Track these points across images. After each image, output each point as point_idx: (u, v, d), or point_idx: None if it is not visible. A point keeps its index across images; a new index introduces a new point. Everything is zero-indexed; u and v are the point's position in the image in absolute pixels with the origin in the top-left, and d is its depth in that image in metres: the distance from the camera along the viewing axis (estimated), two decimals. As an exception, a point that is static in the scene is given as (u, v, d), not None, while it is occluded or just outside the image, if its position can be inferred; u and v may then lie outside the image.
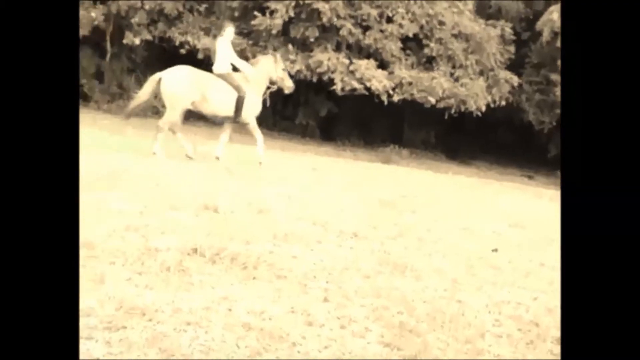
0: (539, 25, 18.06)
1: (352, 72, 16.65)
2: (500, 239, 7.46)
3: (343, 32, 16.51)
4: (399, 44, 17.12)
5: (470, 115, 17.82)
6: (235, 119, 10.47)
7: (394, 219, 7.83)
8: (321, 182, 10.09)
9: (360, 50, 17.27)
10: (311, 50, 16.88)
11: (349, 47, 17.19)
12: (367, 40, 16.79)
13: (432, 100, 17.03)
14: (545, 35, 17.81)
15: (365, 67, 16.66)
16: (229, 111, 10.32)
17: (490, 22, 18.71)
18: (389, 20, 16.90)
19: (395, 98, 16.90)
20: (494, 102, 18.03)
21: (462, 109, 17.40)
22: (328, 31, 16.87)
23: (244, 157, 11.06)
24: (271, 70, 10.58)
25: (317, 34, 16.75)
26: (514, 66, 19.13)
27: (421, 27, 17.15)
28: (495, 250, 6.78)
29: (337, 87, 16.56)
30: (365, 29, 16.90)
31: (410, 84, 16.93)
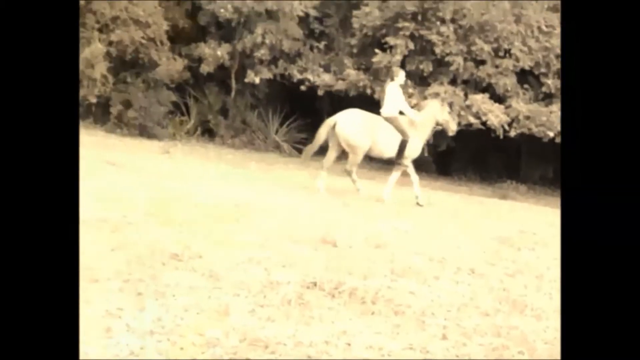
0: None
1: (468, 107, 16.42)
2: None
3: (454, 66, 16.35)
4: (514, 79, 16.76)
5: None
6: (397, 161, 10.74)
7: (512, 255, 7.64)
8: (438, 217, 9.96)
9: (476, 85, 17.02)
10: (428, 85, 16.79)
11: (465, 81, 16.98)
12: (481, 74, 16.54)
13: (551, 134, 16.45)
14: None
15: (482, 101, 16.38)
16: (393, 153, 10.61)
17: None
18: (505, 54, 16.59)
19: (512, 133, 16.50)
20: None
21: (581, 143, 16.75)
22: (442, 65, 16.75)
23: (366, 192, 11.06)
24: (437, 114, 10.83)
25: (431, 68, 16.67)
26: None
27: (537, 63, 16.72)
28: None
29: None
30: (479, 63, 16.66)
31: (527, 118, 16.47)
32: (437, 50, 16.29)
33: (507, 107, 16.67)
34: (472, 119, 16.32)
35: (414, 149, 10.70)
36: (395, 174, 10.89)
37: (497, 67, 16.53)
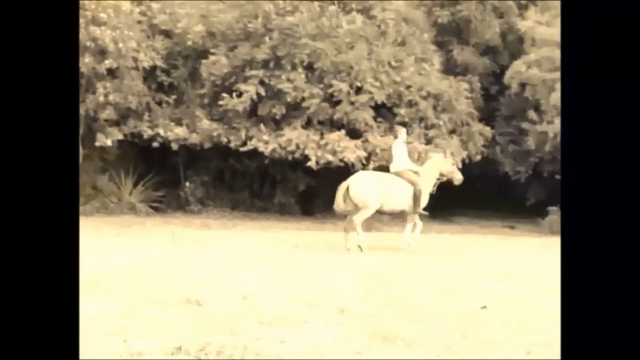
0: (506, 78, 18.32)
1: (324, 146, 16.73)
2: (488, 295, 7.40)
3: (311, 109, 16.66)
4: (371, 112, 17.19)
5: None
6: (414, 211, 11.35)
7: (382, 288, 7.76)
8: (304, 259, 10.01)
9: (332, 123, 17.28)
10: (282, 129, 16.93)
11: (320, 121, 17.22)
12: (338, 114, 16.87)
13: (409, 164, 17.01)
14: (514, 87, 18.09)
15: (337, 139, 16.70)
16: (405, 206, 11.27)
17: (458, 77, 18.98)
18: (359, 91, 16.99)
19: (371, 166, 16.90)
20: (469, 157, 18.13)
21: (441, 169, 17.38)
22: (297, 108, 16.98)
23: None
24: (442, 165, 11.52)
25: (284, 111, 16.89)
26: (485, 120, 19.37)
27: (388, 96, 17.23)
28: (484, 307, 6.71)
29: (312, 162, 16.56)
30: (336, 103, 17.00)
31: (384, 150, 16.88)
32: (289, 97, 16.48)
33: (363, 142, 17.06)
34: (330, 157, 16.57)
35: (424, 200, 11.32)
36: (410, 224, 11.51)
37: (352, 103, 16.87)
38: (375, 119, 17.41)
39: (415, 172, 11.48)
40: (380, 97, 17.05)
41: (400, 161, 11.41)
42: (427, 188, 11.39)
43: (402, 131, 11.98)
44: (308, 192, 18.91)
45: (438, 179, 11.57)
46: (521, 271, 9.42)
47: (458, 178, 11.70)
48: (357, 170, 16.73)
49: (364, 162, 16.82)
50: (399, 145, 11.61)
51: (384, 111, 17.76)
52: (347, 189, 11.23)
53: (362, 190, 11.12)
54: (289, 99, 16.54)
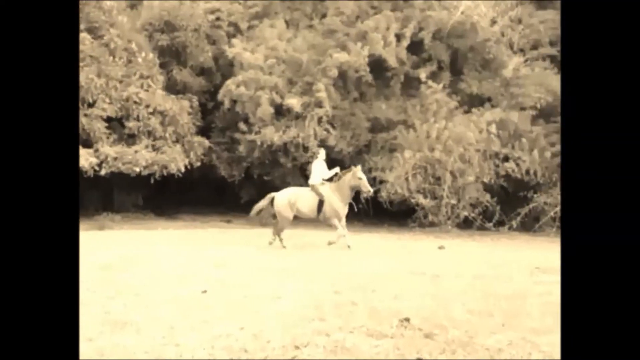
0: (220, 95, 18.40)
1: (59, 154, 15.81)
2: (209, 280, 7.35)
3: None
4: (104, 124, 16.68)
5: (173, 177, 17.68)
6: (318, 217, 11.61)
7: (112, 280, 7.37)
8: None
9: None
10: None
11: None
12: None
13: (137, 169, 16.76)
14: (226, 104, 18.22)
15: (71, 147, 15.92)
16: (314, 213, 11.55)
17: (180, 96, 18.90)
18: (91, 105, 16.38)
19: (103, 172, 16.32)
20: (191, 164, 18.13)
21: (165, 172, 17.25)
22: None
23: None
24: (350, 180, 11.57)
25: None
26: (204, 131, 19.44)
27: (118, 110, 16.84)
28: (205, 291, 6.63)
29: (47, 168, 15.55)
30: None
31: (115, 158, 16.52)
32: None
33: (95, 151, 16.48)
34: (63, 164, 15.71)
35: (336, 208, 11.49)
36: (344, 229, 11.58)
37: (87, 116, 16.25)
38: (107, 130, 16.89)
39: (330, 185, 11.73)
40: (110, 112, 16.58)
41: (316, 177, 11.76)
42: (340, 199, 11.62)
43: (321, 152, 12.21)
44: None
45: (352, 190, 11.72)
46: (238, 258, 9.52)
47: (367, 190, 11.83)
48: (90, 175, 16.11)
49: (96, 168, 16.22)
50: (318, 163, 11.90)
51: (114, 124, 17.21)
52: (272, 199, 11.73)
53: (277, 202, 11.65)
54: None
